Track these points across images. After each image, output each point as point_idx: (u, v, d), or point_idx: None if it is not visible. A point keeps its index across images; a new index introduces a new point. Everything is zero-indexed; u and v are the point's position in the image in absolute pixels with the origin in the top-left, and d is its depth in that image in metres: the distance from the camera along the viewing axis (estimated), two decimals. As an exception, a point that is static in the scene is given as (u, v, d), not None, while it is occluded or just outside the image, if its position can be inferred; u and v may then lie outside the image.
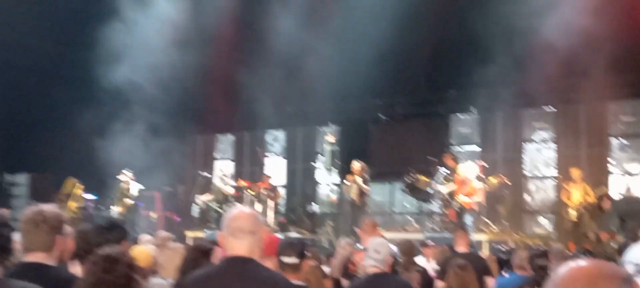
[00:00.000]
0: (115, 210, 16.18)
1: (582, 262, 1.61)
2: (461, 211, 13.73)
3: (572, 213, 13.83)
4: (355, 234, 13.52)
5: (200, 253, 4.64)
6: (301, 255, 4.27)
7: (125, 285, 3.37)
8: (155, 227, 17.75)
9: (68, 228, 3.86)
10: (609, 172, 15.85)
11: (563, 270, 1.60)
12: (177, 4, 17.83)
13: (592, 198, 13.73)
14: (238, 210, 3.50)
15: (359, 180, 14.43)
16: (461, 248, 7.96)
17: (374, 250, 5.39)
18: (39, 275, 3.47)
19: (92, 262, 3.43)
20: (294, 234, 15.19)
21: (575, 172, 14.14)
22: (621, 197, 12.82)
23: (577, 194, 13.88)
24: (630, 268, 2.92)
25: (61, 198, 16.24)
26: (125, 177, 16.31)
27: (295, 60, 17.48)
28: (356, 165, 14.82)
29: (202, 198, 16.77)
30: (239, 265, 3.28)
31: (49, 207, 3.71)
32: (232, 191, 16.69)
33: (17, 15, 16.54)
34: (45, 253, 3.59)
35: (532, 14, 14.97)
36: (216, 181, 16.77)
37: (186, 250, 5.75)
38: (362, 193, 14.46)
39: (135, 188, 16.26)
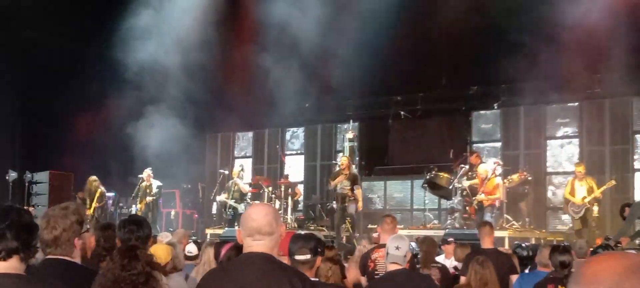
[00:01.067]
0: (137, 208, 16.21)
1: (609, 255, 1.52)
2: (481, 208, 13.63)
3: (578, 209, 13.70)
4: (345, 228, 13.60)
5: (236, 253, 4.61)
6: (314, 252, 4.19)
7: (144, 283, 3.39)
8: (174, 225, 17.84)
9: (88, 226, 3.87)
10: (633, 169, 15.62)
11: (590, 262, 1.51)
12: (196, 1, 17.84)
13: (598, 194, 13.59)
14: (257, 208, 3.46)
15: (348, 174, 14.35)
16: (487, 244, 7.85)
17: (395, 247, 5.33)
18: (62, 271, 3.49)
19: (111, 259, 3.44)
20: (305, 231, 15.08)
21: (580, 168, 13.98)
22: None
23: (582, 190, 13.74)
24: None
25: (82, 197, 16.33)
26: (146, 174, 16.37)
27: (315, 56, 17.44)
28: (343, 160, 14.79)
29: (221, 196, 16.76)
30: (257, 261, 3.25)
31: (70, 205, 3.72)
32: (248, 189, 16.66)
33: (35, 12, 16.63)
34: (67, 251, 3.59)
35: (555, 9, 14.81)
36: (234, 179, 16.74)
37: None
38: (353, 188, 14.35)
39: (155, 186, 16.31)
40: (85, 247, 3.87)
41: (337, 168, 15.19)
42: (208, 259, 6.19)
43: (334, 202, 17.19)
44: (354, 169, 14.92)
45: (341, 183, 14.43)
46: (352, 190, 14.31)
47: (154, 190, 16.26)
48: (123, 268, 3.37)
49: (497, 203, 13.77)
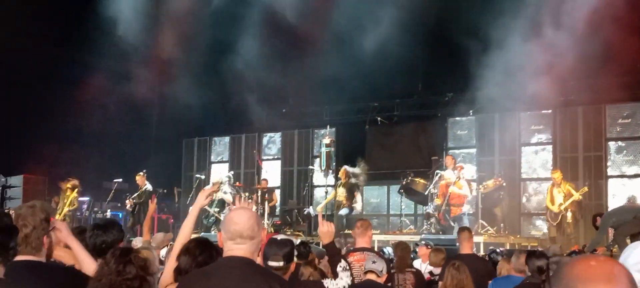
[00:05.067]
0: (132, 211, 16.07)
1: (595, 258, 1.56)
2: (450, 214, 13.77)
3: (555, 216, 13.92)
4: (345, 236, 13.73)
5: None
6: (288, 258, 4.21)
7: (139, 287, 3.37)
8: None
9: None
10: (606, 175, 15.84)
11: (575, 265, 1.55)
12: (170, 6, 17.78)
13: (578, 197, 13.79)
14: (239, 212, 3.42)
15: (348, 183, 14.64)
16: (465, 250, 7.90)
17: (372, 261, 5.61)
18: (34, 272, 3.46)
19: (105, 263, 3.42)
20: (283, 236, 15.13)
21: (556, 175, 14.17)
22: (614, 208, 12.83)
23: (560, 197, 13.93)
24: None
25: (57, 201, 16.19)
26: (139, 177, 16.15)
27: (292, 62, 17.46)
28: (341, 172, 15.07)
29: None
30: (237, 265, 3.25)
31: (37, 203, 3.68)
32: (229, 197, 16.55)
33: (7, 14, 16.47)
34: (36, 250, 3.56)
35: (529, 17, 14.98)
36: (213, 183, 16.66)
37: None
38: (351, 196, 14.57)
39: (144, 188, 16.09)
40: (52, 246, 3.82)
41: (338, 181, 15.53)
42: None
43: (310, 207, 17.30)
44: (352, 179, 15.23)
45: (339, 191, 14.67)
46: (347, 198, 14.56)
47: (141, 191, 16.09)
48: (118, 273, 3.35)
49: (464, 210, 13.96)
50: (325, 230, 5.03)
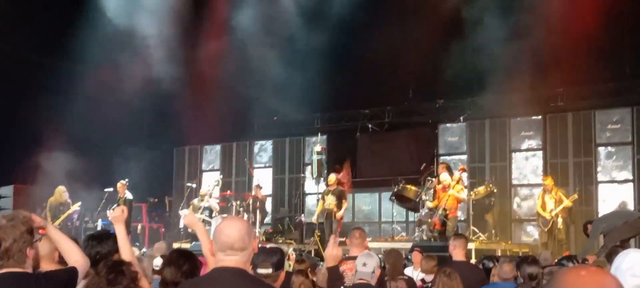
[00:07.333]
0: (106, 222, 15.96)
1: (585, 268, 1.59)
2: (445, 220, 13.74)
3: (546, 222, 13.99)
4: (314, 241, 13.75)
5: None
6: (277, 266, 4.21)
7: None
8: (141, 239, 17.63)
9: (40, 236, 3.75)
10: (596, 181, 15.91)
11: (566, 275, 1.58)
12: (162, 10, 17.75)
13: (568, 204, 13.87)
14: (230, 223, 3.40)
15: (337, 191, 14.65)
16: (458, 257, 7.85)
17: (362, 263, 5.48)
18: (18, 284, 3.44)
19: (96, 273, 3.43)
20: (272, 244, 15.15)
21: (547, 181, 14.24)
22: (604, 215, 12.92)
23: (551, 203, 14.00)
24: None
25: (47, 210, 16.12)
26: (120, 185, 16.08)
27: (283, 69, 17.48)
28: (331, 178, 15.00)
29: (188, 210, 16.63)
30: (228, 276, 3.24)
31: (18, 214, 3.58)
32: (215, 204, 16.55)
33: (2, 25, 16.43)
34: (19, 262, 3.49)
35: (519, 23, 15.07)
36: (200, 195, 16.67)
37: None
38: (339, 204, 14.59)
39: (126, 198, 16.03)
40: (38, 257, 3.75)
41: (326, 188, 15.33)
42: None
43: (302, 215, 17.27)
44: (340, 186, 15.19)
45: (328, 199, 14.65)
46: (337, 205, 14.54)
47: (125, 200, 15.99)
48: (109, 282, 3.36)
49: (458, 214, 13.96)
50: (335, 255, 4.95)
